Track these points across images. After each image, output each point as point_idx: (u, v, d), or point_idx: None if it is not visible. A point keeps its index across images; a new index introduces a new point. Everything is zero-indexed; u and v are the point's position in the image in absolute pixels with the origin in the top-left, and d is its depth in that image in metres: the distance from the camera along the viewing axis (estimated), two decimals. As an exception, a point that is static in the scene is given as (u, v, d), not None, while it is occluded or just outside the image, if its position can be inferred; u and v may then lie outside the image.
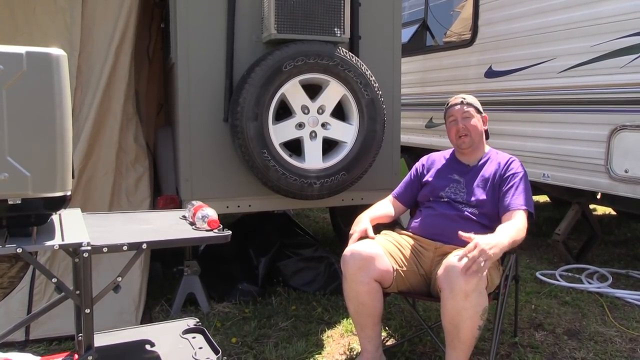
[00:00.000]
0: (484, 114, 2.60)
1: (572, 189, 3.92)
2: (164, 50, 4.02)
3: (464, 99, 2.57)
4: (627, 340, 2.81)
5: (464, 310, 2.04)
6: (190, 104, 3.04)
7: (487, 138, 2.65)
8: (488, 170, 2.50)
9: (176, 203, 3.17)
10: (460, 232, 2.14)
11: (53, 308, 1.79)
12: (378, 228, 2.58)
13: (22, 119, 1.41)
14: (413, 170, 2.74)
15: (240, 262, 3.54)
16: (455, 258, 2.09)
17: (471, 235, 2.11)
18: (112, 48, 3.09)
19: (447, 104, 2.63)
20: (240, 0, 3.07)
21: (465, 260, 2.02)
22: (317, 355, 2.63)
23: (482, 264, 2.00)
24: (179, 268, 3.21)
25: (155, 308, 3.16)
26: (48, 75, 1.44)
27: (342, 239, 4.24)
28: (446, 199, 2.51)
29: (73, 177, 1.56)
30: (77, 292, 1.63)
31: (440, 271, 2.14)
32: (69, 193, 1.53)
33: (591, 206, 4.57)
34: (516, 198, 2.35)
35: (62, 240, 1.53)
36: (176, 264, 3.26)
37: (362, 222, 2.50)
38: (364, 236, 2.43)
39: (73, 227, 1.69)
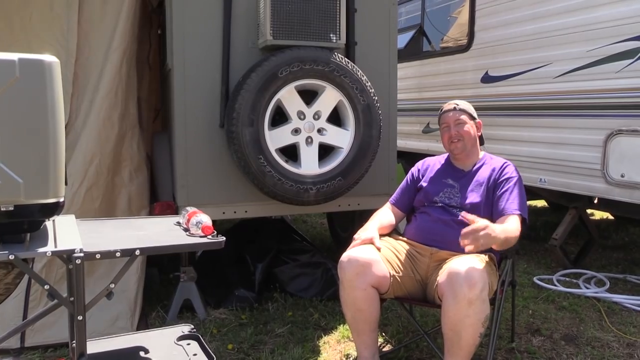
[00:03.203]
0: (478, 120, 2.60)
1: (569, 194, 3.92)
2: (160, 56, 4.03)
3: (457, 105, 2.57)
4: (625, 345, 2.80)
5: (466, 317, 2.04)
6: (186, 110, 3.04)
7: (482, 144, 2.64)
8: (482, 175, 2.51)
9: (172, 209, 3.17)
10: (464, 213, 2.18)
11: (47, 315, 1.79)
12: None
13: (14, 125, 1.41)
14: (409, 175, 2.74)
15: (236, 268, 3.54)
16: (457, 265, 2.09)
17: (474, 217, 2.13)
18: (109, 55, 3.09)
19: (441, 110, 2.63)
20: (236, 6, 3.08)
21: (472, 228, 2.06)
22: (313, 362, 2.62)
23: (479, 240, 2.02)
24: (175, 274, 3.20)
25: (151, 314, 3.15)
26: (41, 82, 1.43)
27: (340, 244, 4.24)
28: (440, 204, 2.50)
29: (66, 184, 1.56)
30: (71, 298, 1.62)
31: (442, 278, 2.14)
32: (62, 199, 1.53)
33: (589, 211, 4.57)
34: (510, 203, 2.35)
35: (55, 246, 1.53)
36: (173, 270, 3.25)
37: (369, 231, 2.47)
38: (367, 244, 2.40)
39: (66, 233, 1.68)
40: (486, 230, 2.04)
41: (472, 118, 2.57)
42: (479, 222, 2.07)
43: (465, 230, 2.05)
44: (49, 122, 1.45)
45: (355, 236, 2.46)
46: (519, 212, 2.33)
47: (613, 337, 2.90)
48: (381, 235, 2.50)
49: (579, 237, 4.59)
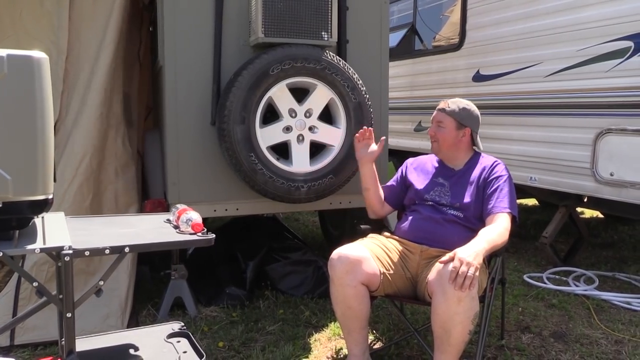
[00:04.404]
0: (466, 127, 2.54)
1: (559, 192, 3.94)
2: (152, 53, 4.01)
3: (448, 106, 2.55)
4: (613, 342, 2.82)
5: (456, 315, 2.04)
6: (177, 107, 3.03)
7: (473, 144, 2.63)
8: (473, 174, 2.52)
9: (163, 207, 3.16)
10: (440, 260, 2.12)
11: (36, 312, 1.79)
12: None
13: (2, 122, 1.40)
14: (399, 172, 2.76)
15: (228, 266, 3.53)
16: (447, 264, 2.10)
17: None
18: (101, 51, 3.08)
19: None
20: (228, 3, 3.07)
21: (451, 273, 2.02)
22: (304, 359, 2.62)
23: (470, 274, 1.99)
24: (166, 272, 3.20)
25: (142, 312, 3.14)
26: (29, 78, 1.43)
27: (331, 242, 4.24)
28: (431, 202, 2.52)
29: (55, 181, 1.56)
30: (60, 296, 1.62)
31: (432, 276, 2.14)
32: (50, 196, 1.52)
33: (579, 209, 4.60)
34: (500, 201, 2.36)
35: (44, 243, 1.52)
36: (164, 268, 3.25)
37: None
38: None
39: (55, 230, 1.68)
40: (461, 260, 2.00)
41: (460, 124, 2.53)
42: (450, 259, 2.04)
43: (450, 278, 2.00)
44: (38, 118, 1.44)
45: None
46: (508, 210, 2.34)
47: (601, 334, 2.93)
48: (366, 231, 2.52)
49: (569, 235, 4.62)
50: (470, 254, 2.04)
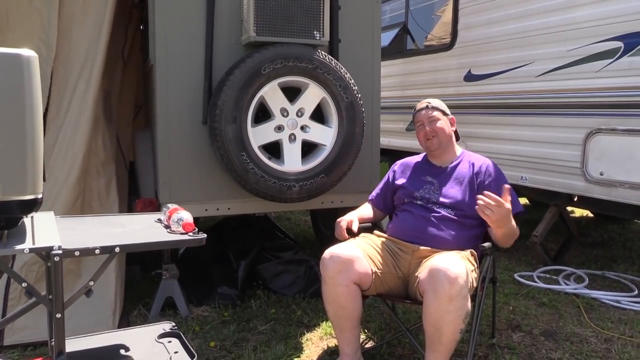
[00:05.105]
0: (451, 116, 2.65)
1: (549, 192, 3.97)
2: (143, 52, 3.99)
3: (429, 103, 2.63)
4: (602, 341, 2.85)
5: (447, 314, 2.05)
6: (168, 106, 3.01)
7: (457, 139, 2.68)
8: (461, 171, 2.54)
9: (154, 206, 3.15)
10: (487, 192, 2.24)
11: (26, 313, 1.77)
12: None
13: (-9, 120, 1.39)
14: (386, 178, 2.78)
15: (219, 266, 3.52)
16: (438, 261, 2.11)
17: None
18: (94, 52, 3.05)
19: (414, 109, 2.68)
20: (220, 2, 3.06)
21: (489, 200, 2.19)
22: (296, 359, 2.62)
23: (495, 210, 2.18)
24: (157, 272, 3.18)
25: (133, 312, 3.12)
26: (18, 77, 1.42)
27: (323, 241, 4.24)
28: (421, 201, 2.52)
29: (44, 180, 1.54)
30: (50, 296, 1.60)
31: (423, 274, 2.15)
32: (40, 196, 1.51)
33: (569, 208, 4.62)
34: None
35: (33, 243, 1.51)
36: (155, 268, 3.23)
37: (350, 215, 2.58)
38: (349, 227, 2.51)
39: (45, 230, 1.66)
40: (508, 209, 2.21)
41: (445, 114, 2.62)
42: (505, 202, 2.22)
43: (494, 199, 2.19)
44: (27, 117, 1.43)
45: (338, 220, 2.53)
46: (514, 211, 2.37)
47: (591, 332, 2.95)
48: (363, 230, 2.53)
49: (559, 234, 4.64)
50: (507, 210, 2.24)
